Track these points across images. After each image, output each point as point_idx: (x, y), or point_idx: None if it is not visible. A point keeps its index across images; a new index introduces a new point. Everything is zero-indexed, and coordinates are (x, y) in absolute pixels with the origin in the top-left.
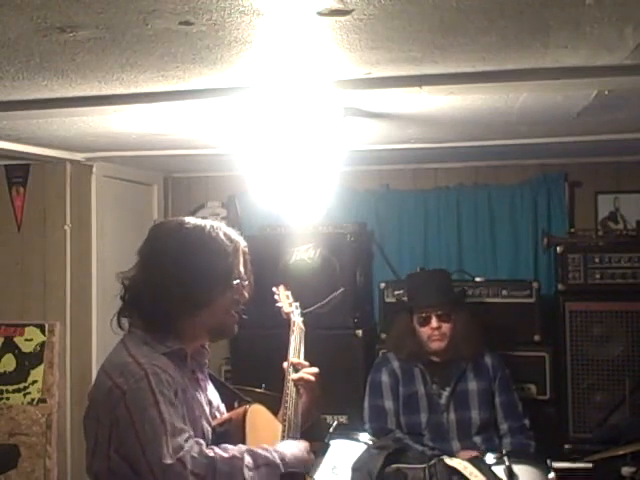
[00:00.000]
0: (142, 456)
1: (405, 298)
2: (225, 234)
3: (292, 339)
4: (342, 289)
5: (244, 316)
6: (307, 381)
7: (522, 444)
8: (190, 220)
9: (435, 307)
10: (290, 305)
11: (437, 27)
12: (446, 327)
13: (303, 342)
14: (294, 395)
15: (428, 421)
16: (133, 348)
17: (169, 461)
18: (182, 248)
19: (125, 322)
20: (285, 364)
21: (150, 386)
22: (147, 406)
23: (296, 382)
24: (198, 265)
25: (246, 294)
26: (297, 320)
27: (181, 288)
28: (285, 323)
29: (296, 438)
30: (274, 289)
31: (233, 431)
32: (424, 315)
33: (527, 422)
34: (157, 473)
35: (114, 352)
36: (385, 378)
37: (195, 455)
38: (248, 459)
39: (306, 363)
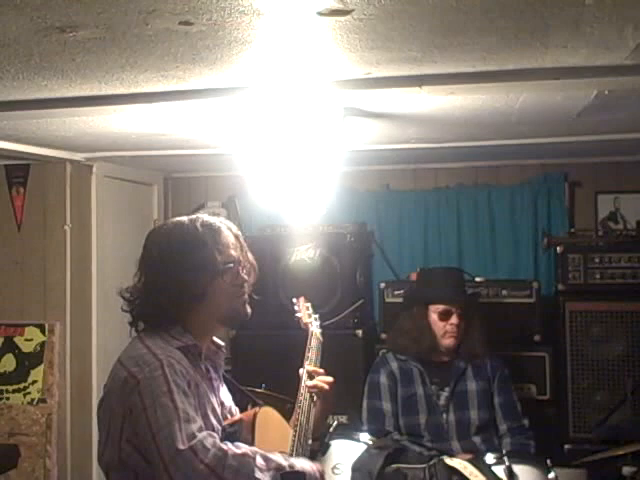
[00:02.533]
0: (152, 442)
1: (419, 290)
2: (203, 223)
3: (308, 348)
4: (362, 300)
5: (255, 297)
6: (321, 389)
7: (522, 444)
8: (174, 219)
9: (458, 302)
10: (309, 316)
11: (437, 27)
12: (462, 325)
13: (319, 352)
14: (308, 402)
15: (427, 422)
16: (148, 340)
17: (182, 447)
18: (165, 248)
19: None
20: (301, 370)
21: (165, 375)
22: (160, 393)
23: (310, 389)
24: (179, 260)
25: (246, 276)
26: (315, 331)
27: (172, 286)
28: (286, 323)
29: (307, 445)
30: (294, 300)
31: (242, 431)
32: (444, 309)
33: (526, 422)
34: (166, 459)
35: (130, 345)
36: (383, 379)
37: (208, 446)
38: (260, 460)
39: (321, 371)
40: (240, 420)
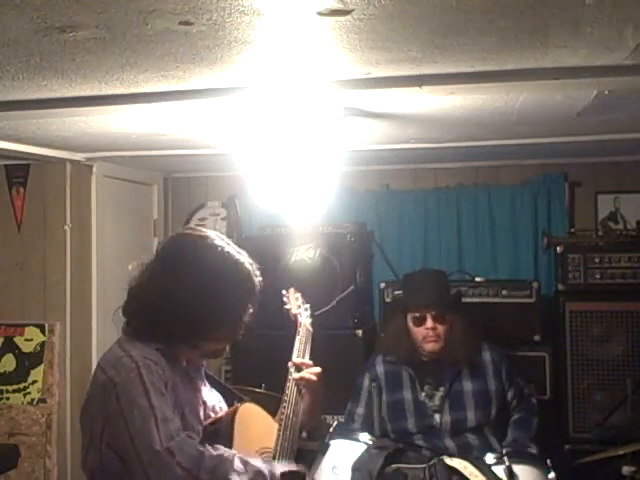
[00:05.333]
0: (130, 444)
1: (400, 297)
2: (238, 264)
3: (297, 339)
4: (352, 287)
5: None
6: (309, 381)
7: (526, 417)
8: (209, 240)
9: (430, 307)
10: (299, 307)
11: (437, 27)
12: (441, 329)
13: (309, 343)
14: (295, 395)
15: (417, 425)
16: (126, 344)
17: (158, 448)
18: (210, 279)
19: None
20: (290, 363)
21: (141, 377)
22: (136, 396)
23: (298, 382)
24: (200, 294)
25: (248, 318)
26: (304, 321)
27: (177, 313)
28: (286, 324)
29: (295, 440)
30: (284, 292)
31: (222, 430)
32: (419, 315)
33: (534, 400)
34: (144, 460)
35: (109, 349)
36: (366, 383)
37: (185, 447)
38: (238, 463)
39: (309, 362)
40: (220, 418)
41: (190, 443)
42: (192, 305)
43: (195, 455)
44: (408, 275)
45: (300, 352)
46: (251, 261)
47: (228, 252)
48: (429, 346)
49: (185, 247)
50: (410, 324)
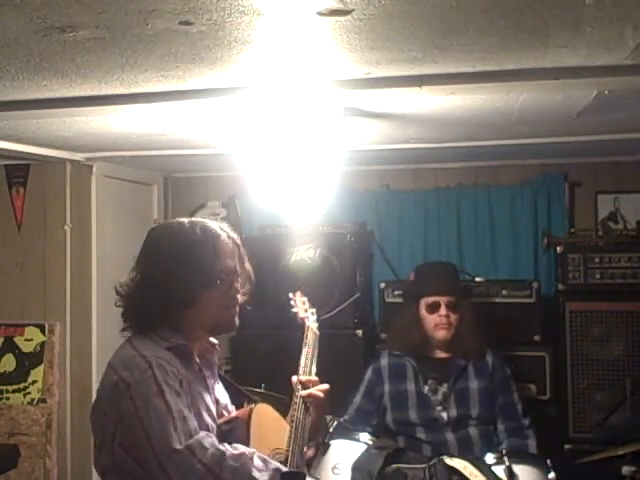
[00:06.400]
0: (148, 444)
1: (414, 285)
2: (203, 228)
3: (304, 350)
4: (358, 294)
5: (248, 307)
6: (316, 398)
7: (519, 445)
8: (176, 220)
9: (445, 293)
10: (305, 311)
11: (437, 27)
12: (454, 317)
13: (316, 350)
14: (302, 412)
15: (419, 416)
16: (137, 343)
17: (178, 446)
18: (162, 249)
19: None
20: (294, 378)
21: (155, 377)
22: (151, 395)
23: (305, 398)
24: (174, 264)
25: (239, 287)
26: (311, 325)
27: (163, 288)
28: (286, 324)
29: (303, 446)
30: (290, 295)
31: (238, 429)
32: (432, 301)
33: (526, 422)
34: (163, 459)
35: (120, 348)
36: (369, 375)
37: (206, 445)
38: (258, 461)
39: (316, 379)
40: (236, 418)
41: (211, 442)
42: (168, 273)
43: (217, 454)
44: (421, 266)
45: (308, 361)
46: (199, 221)
47: (171, 223)
48: (441, 333)
49: (146, 238)
50: (423, 311)
